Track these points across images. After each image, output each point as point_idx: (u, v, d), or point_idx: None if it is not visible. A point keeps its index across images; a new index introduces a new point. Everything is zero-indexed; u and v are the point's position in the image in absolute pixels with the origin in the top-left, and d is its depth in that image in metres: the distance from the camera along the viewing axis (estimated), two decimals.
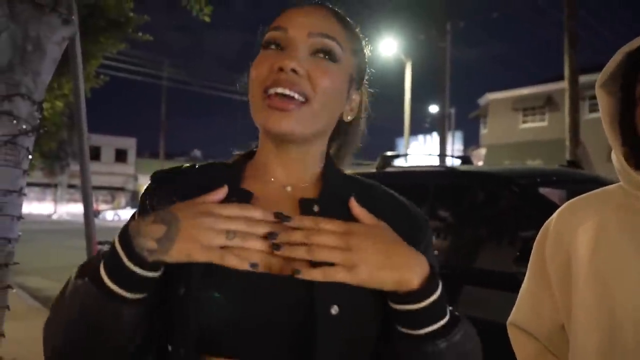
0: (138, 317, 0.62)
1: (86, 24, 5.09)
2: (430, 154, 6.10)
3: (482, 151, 22.79)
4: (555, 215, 0.94)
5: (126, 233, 0.61)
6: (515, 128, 21.65)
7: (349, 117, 0.76)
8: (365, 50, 0.78)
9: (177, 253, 0.59)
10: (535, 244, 0.96)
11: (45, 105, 6.75)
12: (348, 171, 0.81)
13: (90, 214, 2.90)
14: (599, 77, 0.85)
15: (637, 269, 0.80)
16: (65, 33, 2.17)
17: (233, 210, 0.62)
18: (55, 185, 36.09)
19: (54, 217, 34.61)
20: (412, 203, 0.78)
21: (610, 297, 0.82)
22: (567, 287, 0.88)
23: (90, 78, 5.90)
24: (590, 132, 11.47)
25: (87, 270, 0.64)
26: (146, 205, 0.72)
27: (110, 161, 39.00)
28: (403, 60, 15.37)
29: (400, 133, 17.82)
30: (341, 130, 0.79)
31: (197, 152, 47.50)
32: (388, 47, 14.73)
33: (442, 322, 0.62)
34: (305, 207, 0.69)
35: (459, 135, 26.35)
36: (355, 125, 0.80)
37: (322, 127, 0.71)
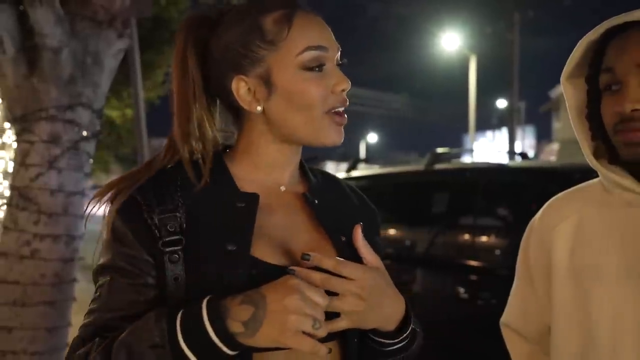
0: None
1: (151, 36, 5.42)
2: (490, 150, 5.90)
3: (555, 146, 21.60)
4: (539, 213, 0.92)
5: (217, 309, 0.60)
6: None
7: None
8: None
9: (264, 338, 0.59)
10: (521, 242, 0.94)
11: (116, 113, 7.18)
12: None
13: None
14: (564, 69, 0.81)
15: (613, 267, 0.77)
16: (121, 46, 2.35)
17: (317, 294, 0.61)
18: None
19: None
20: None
21: (587, 296, 0.79)
22: (549, 286, 0.86)
23: (157, 86, 6.26)
24: None
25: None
26: (144, 228, 0.67)
27: None
28: (467, 54, 14.92)
29: (467, 129, 17.31)
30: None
31: None
32: (451, 41, 14.36)
33: (405, 343, 0.73)
34: (309, 200, 0.75)
35: (530, 130, 25.16)
36: None
37: None
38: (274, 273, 0.65)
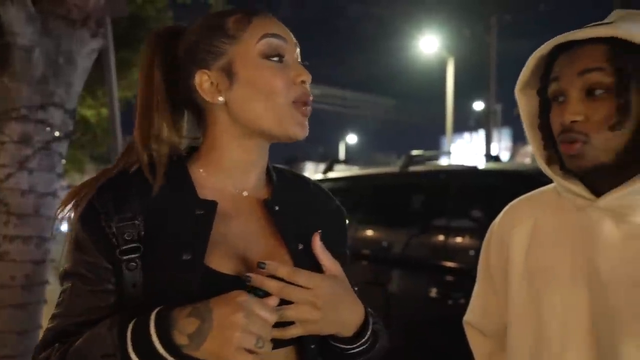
0: None
1: (128, 34, 5.36)
2: (452, 153, 5.95)
3: (529, 149, 21.99)
4: (499, 216, 0.96)
5: (164, 321, 0.60)
6: None
7: None
8: None
9: (208, 352, 0.59)
10: (483, 244, 0.98)
11: (91, 112, 7.06)
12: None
13: None
14: (518, 81, 0.85)
15: (564, 269, 0.81)
16: (95, 45, 2.33)
17: (266, 310, 0.61)
18: None
19: None
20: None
21: (538, 297, 0.83)
22: (507, 286, 0.89)
23: (134, 85, 6.19)
24: None
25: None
26: (105, 234, 0.68)
27: None
28: (445, 57, 15.10)
29: (445, 131, 17.52)
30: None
31: None
32: (430, 44, 14.52)
33: (366, 347, 0.74)
34: (269, 207, 0.76)
35: (506, 132, 25.58)
36: None
37: None
38: (228, 283, 0.66)
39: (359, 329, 0.73)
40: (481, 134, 21.19)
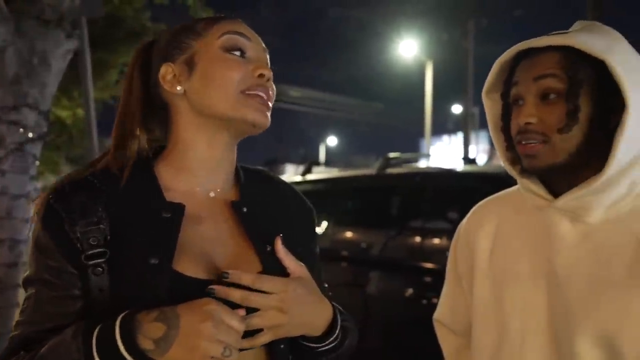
0: None
1: (105, 35, 5.29)
2: (430, 155, 6.03)
3: None
4: (466, 217, 0.99)
5: (129, 325, 0.60)
6: None
7: None
8: None
9: (173, 359, 0.59)
10: (451, 244, 1.01)
11: (66, 113, 6.94)
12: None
13: None
14: (484, 85, 0.89)
15: (525, 269, 0.84)
16: (69, 46, 2.31)
17: (235, 318, 0.62)
18: None
19: None
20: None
21: (501, 294, 0.86)
22: (472, 285, 0.93)
23: (111, 86, 6.11)
24: None
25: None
26: (66, 234, 0.67)
27: None
28: (424, 60, 15.27)
29: (424, 134, 17.69)
30: None
31: None
32: (409, 48, 14.66)
33: (335, 344, 0.76)
34: (237, 209, 0.76)
35: (484, 135, 25.95)
36: None
37: None
38: (197, 286, 0.66)
39: (328, 327, 0.75)
40: (460, 136, 21.46)
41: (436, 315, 1.05)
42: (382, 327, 2.86)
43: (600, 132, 0.77)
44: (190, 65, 0.74)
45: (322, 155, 30.90)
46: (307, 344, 0.74)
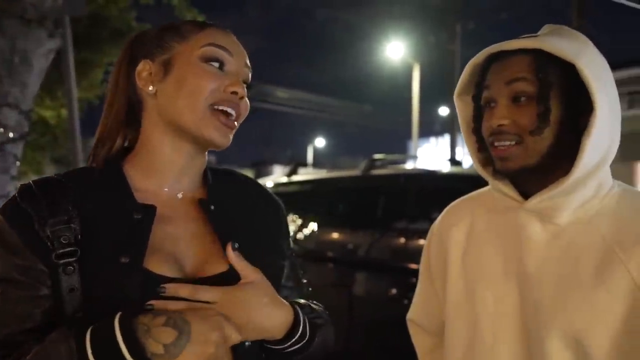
0: None
1: (89, 34, 5.25)
2: (416, 157, 6.09)
3: None
4: (439, 217, 1.01)
5: (131, 327, 0.59)
6: None
7: None
8: None
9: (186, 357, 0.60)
10: (424, 244, 1.03)
11: (50, 113, 6.85)
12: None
13: None
14: (455, 89, 0.90)
15: (496, 267, 0.86)
16: (52, 45, 2.30)
17: (234, 330, 0.65)
18: None
19: None
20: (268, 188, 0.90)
21: (473, 293, 0.87)
22: (445, 285, 0.94)
23: (96, 86, 6.05)
24: None
25: None
26: (37, 233, 0.66)
27: None
28: (411, 63, 15.36)
29: (411, 136, 17.79)
30: None
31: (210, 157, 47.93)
32: (396, 50, 14.74)
33: (302, 344, 0.75)
34: (205, 207, 0.77)
35: None
36: None
37: None
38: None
39: (289, 329, 0.74)
40: (447, 138, 21.61)
41: (409, 315, 1.07)
42: (367, 327, 2.87)
43: (570, 135, 0.79)
44: (167, 66, 0.74)
45: (310, 157, 30.93)
46: (271, 346, 0.75)
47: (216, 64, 0.74)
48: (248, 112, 0.78)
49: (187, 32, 0.76)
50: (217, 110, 0.73)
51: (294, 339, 0.74)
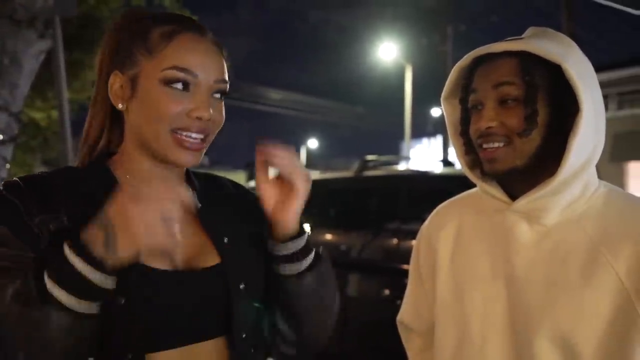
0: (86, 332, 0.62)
1: (81, 35, 5.22)
2: (409, 159, 6.11)
3: None
4: (428, 219, 1.01)
5: (79, 242, 0.61)
6: None
7: None
8: None
9: (122, 250, 0.61)
10: (414, 246, 1.03)
11: (41, 115, 6.82)
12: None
13: None
14: (443, 91, 0.91)
15: (484, 268, 0.86)
16: (42, 46, 2.28)
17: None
18: None
19: None
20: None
21: (462, 294, 0.88)
22: (434, 286, 0.94)
23: (88, 87, 6.02)
24: None
25: None
26: (26, 225, 0.67)
27: None
28: (403, 64, 15.41)
29: (404, 137, 17.85)
30: None
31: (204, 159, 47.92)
32: (389, 51, 14.79)
33: (311, 256, 0.80)
34: (193, 207, 0.79)
35: None
36: None
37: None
38: (160, 278, 0.70)
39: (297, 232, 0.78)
40: (439, 139, 21.68)
41: (399, 316, 1.07)
42: (361, 328, 2.87)
43: (557, 136, 0.80)
44: (133, 84, 0.73)
45: (303, 158, 30.91)
46: (287, 264, 0.77)
47: (179, 86, 0.72)
48: (222, 123, 0.77)
49: (155, 45, 0.73)
50: (182, 136, 0.72)
51: (310, 255, 0.78)
